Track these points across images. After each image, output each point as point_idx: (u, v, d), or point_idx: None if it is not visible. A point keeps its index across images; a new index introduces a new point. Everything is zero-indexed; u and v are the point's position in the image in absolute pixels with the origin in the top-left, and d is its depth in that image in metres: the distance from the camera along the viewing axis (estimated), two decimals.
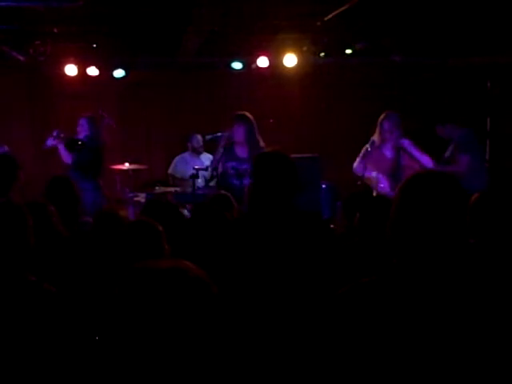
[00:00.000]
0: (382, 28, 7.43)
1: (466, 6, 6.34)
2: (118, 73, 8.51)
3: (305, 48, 7.99)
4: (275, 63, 8.23)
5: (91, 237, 4.24)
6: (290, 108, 9.34)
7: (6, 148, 7.43)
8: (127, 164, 7.96)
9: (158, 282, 1.46)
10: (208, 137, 7.60)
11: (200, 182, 7.43)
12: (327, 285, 3.18)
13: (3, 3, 5.71)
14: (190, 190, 7.10)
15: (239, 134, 6.73)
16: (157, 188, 7.90)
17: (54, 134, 7.49)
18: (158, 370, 1.42)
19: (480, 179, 6.60)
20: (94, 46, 7.79)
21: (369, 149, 6.57)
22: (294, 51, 8.00)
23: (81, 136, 7.53)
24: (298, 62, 8.10)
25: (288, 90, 9.16)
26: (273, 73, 8.60)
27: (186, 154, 8.73)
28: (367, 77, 9.23)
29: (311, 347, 2.81)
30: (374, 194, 6.62)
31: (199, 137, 8.54)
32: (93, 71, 8.39)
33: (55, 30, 7.07)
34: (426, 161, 6.53)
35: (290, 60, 8.05)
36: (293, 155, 3.59)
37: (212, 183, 7.15)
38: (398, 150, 6.66)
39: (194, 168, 7.33)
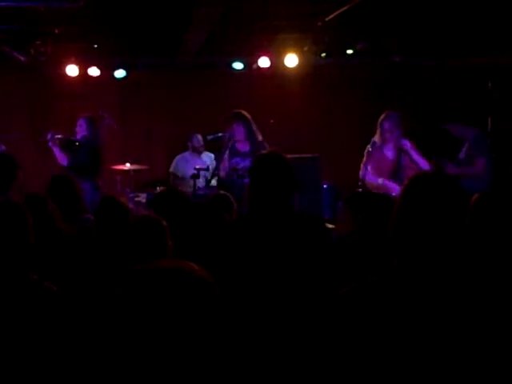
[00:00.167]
0: (383, 28, 7.43)
1: (466, 7, 6.34)
2: (119, 73, 8.51)
3: (306, 48, 7.99)
4: (276, 63, 8.23)
5: (95, 227, 4.26)
6: (291, 108, 9.33)
7: (3, 147, 7.43)
8: (128, 164, 7.97)
9: (162, 282, 1.46)
10: (209, 137, 7.62)
11: (201, 181, 7.44)
12: (327, 285, 3.19)
13: (4, 3, 5.71)
14: (190, 189, 7.10)
15: (239, 132, 6.84)
16: (158, 188, 7.90)
17: (48, 136, 7.49)
18: (160, 368, 1.42)
19: (485, 180, 6.61)
20: (95, 46, 7.79)
21: (370, 149, 6.55)
22: (295, 51, 8.00)
23: (79, 136, 7.53)
24: (298, 62, 8.10)
25: (289, 90, 9.16)
26: (274, 73, 8.60)
27: (187, 154, 8.74)
28: (368, 77, 9.23)
29: (312, 347, 2.81)
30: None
31: (199, 136, 8.55)
32: (94, 71, 8.40)
33: (56, 31, 7.07)
34: (423, 164, 6.52)
35: (291, 60, 8.05)
36: (293, 155, 3.60)
37: (213, 183, 7.16)
38: (400, 150, 6.65)
39: (194, 168, 7.33)
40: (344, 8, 6.12)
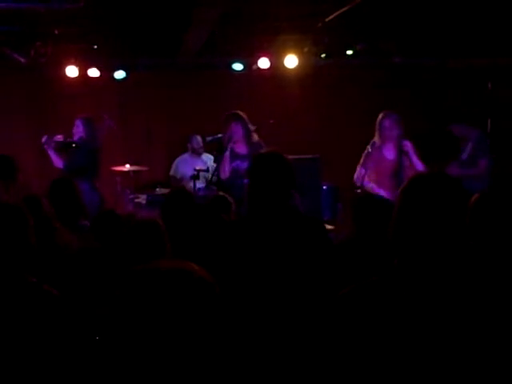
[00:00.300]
0: (383, 29, 7.44)
1: (466, 8, 6.34)
2: (119, 74, 8.51)
3: (306, 49, 7.99)
4: (276, 64, 8.23)
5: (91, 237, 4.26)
6: (291, 109, 9.33)
7: None
8: (128, 165, 7.97)
9: (162, 282, 1.46)
10: (208, 138, 7.63)
11: (200, 182, 7.44)
12: (325, 286, 3.19)
13: (4, 5, 5.71)
14: (190, 191, 7.10)
15: (238, 131, 6.89)
16: (157, 189, 7.91)
17: (43, 139, 7.49)
18: (161, 369, 1.42)
19: (485, 181, 6.63)
20: (95, 47, 7.80)
21: (369, 149, 6.55)
22: (295, 52, 8.00)
23: (76, 137, 7.52)
24: (298, 63, 8.10)
25: (289, 90, 9.15)
26: (274, 74, 8.60)
27: (186, 155, 8.74)
28: (368, 78, 9.23)
29: (312, 348, 2.81)
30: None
31: (199, 138, 8.56)
32: (93, 72, 8.39)
33: (56, 32, 7.08)
34: (420, 168, 6.52)
35: (291, 61, 8.05)
36: (293, 156, 3.59)
37: (213, 184, 7.16)
38: (400, 151, 6.63)
39: (194, 169, 7.33)
40: (344, 9, 6.13)
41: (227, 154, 6.90)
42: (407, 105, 8.86)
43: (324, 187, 7.92)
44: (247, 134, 6.95)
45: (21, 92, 9.09)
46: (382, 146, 6.66)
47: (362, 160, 6.69)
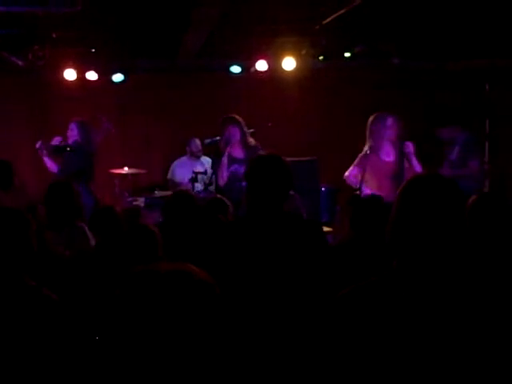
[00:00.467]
0: (381, 31, 7.44)
1: (464, 10, 6.34)
2: (117, 77, 8.51)
3: (304, 51, 7.98)
4: (274, 66, 8.22)
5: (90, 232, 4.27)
6: (289, 111, 9.33)
7: None
8: (126, 168, 7.97)
9: (163, 284, 1.46)
10: (207, 141, 7.64)
11: (199, 185, 7.44)
12: (322, 286, 3.19)
13: (1, 8, 5.71)
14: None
15: (236, 134, 6.95)
16: (156, 192, 7.91)
17: (37, 145, 7.49)
18: (162, 370, 1.42)
19: (478, 181, 6.63)
20: (93, 50, 7.79)
21: (368, 152, 6.53)
22: (293, 54, 7.99)
23: (70, 141, 7.52)
24: (296, 66, 8.10)
25: (287, 93, 9.16)
26: (272, 76, 8.60)
27: (185, 158, 8.75)
28: (366, 80, 9.24)
29: (312, 348, 2.81)
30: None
31: (198, 141, 8.56)
32: (92, 75, 8.39)
33: (54, 35, 7.07)
34: (419, 169, 6.53)
35: (289, 63, 8.05)
36: (291, 158, 3.59)
37: (211, 187, 7.17)
38: (401, 152, 6.63)
39: (193, 172, 7.34)
40: (342, 11, 6.13)
41: (225, 159, 6.92)
42: (405, 107, 8.86)
43: (322, 189, 7.94)
44: (244, 138, 6.98)
45: (19, 95, 9.09)
46: (379, 148, 6.65)
47: (356, 160, 6.69)
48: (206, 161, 8.41)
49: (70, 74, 8.16)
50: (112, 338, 1.47)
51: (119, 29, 6.98)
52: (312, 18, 6.73)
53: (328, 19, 6.56)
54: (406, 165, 6.60)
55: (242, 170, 6.81)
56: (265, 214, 3.31)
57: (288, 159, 3.50)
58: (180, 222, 4.30)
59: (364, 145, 6.69)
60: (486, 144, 9.34)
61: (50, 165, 7.49)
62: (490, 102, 9.26)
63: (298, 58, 8.03)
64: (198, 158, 8.63)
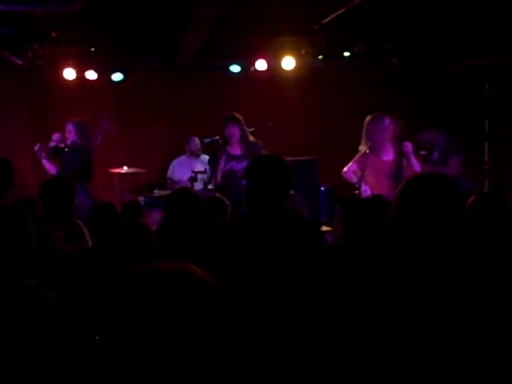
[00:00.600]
0: (381, 31, 7.44)
1: (463, 9, 6.34)
2: (116, 76, 8.50)
3: (303, 51, 7.98)
4: (273, 66, 8.22)
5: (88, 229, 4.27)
6: (289, 110, 9.33)
7: None
8: (125, 167, 7.97)
9: (162, 285, 1.45)
10: (206, 140, 7.65)
11: (198, 184, 7.44)
12: (320, 286, 3.19)
13: (1, 7, 5.71)
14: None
15: (235, 133, 6.96)
16: (155, 191, 7.91)
17: (36, 148, 7.49)
18: (162, 371, 1.42)
19: (459, 179, 6.65)
20: (93, 49, 7.79)
21: (367, 151, 6.54)
22: (293, 54, 7.99)
23: (69, 141, 7.52)
24: (296, 65, 8.10)
25: (286, 92, 9.16)
26: (271, 76, 8.60)
27: (184, 157, 8.75)
28: (365, 79, 9.24)
29: (311, 347, 2.81)
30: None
31: (197, 140, 8.56)
32: (91, 75, 8.38)
33: (53, 34, 7.07)
34: (418, 169, 6.54)
35: (289, 63, 8.05)
36: (291, 158, 3.59)
37: (210, 186, 7.16)
38: (400, 152, 6.65)
39: (192, 171, 7.34)
40: (341, 10, 6.13)
41: (222, 158, 6.95)
42: (405, 106, 8.87)
43: (322, 188, 7.94)
44: (244, 136, 7.00)
45: (18, 94, 9.09)
46: (379, 148, 6.67)
47: (356, 157, 6.70)
48: (206, 159, 8.40)
49: (69, 73, 8.16)
50: (112, 338, 1.47)
51: (119, 28, 6.98)
52: (311, 17, 6.73)
53: (327, 19, 6.56)
54: (405, 164, 6.62)
55: (238, 166, 6.83)
56: (264, 213, 3.31)
57: (288, 159, 3.50)
58: (182, 220, 4.28)
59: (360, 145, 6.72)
60: (486, 144, 9.35)
61: (49, 167, 7.49)
62: (489, 102, 9.25)
63: (298, 57, 8.03)
64: (198, 156, 8.63)
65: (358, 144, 6.80)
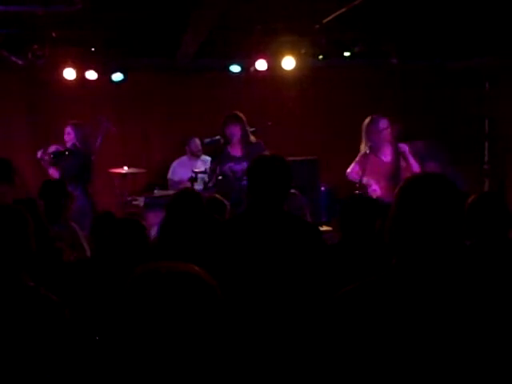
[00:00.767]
0: (381, 30, 7.44)
1: (463, 9, 6.35)
2: (117, 76, 8.50)
3: (303, 50, 7.98)
4: (273, 66, 8.22)
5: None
6: (289, 110, 9.32)
7: None
8: (126, 167, 7.96)
9: (164, 285, 1.45)
10: (206, 140, 7.65)
11: (199, 184, 7.43)
12: (318, 286, 3.19)
13: (1, 7, 5.71)
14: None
15: (236, 132, 6.91)
16: (155, 191, 7.91)
17: (39, 155, 7.50)
18: (164, 372, 1.42)
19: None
20: (93, 49, 7.79)
21: (367, 151, 6.56)
22: (293, 54, 8.00)
23: (69, 144, 7.53)
24: (296, 65, 8.10)
25: (286, 92, 9.16)
26: (271, 75, 8.60)
27: (185, 158, 8.74)
28: (365, 79, 9.24)
29: (311, 347, 2.81)
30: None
31: (197, 141, 8.56)
32: (91, 75, 8.38)
33: (53, 34, 7.08)
34: (417, 169, 6.56)
35: (289, 63, 8.05)
36: (291, 158, 3.60)
37: (210, 184, 7.16)
38: (397, 153, 6.68)
39: (193, 171, 7.34)
40: (341, 10, 6.13)
41: (221, 158, 6.93)
42: (404, 106, 8.87)
43: (322, 188, 7.93)
44: (245, 136, 6.96)
45: (18, 94, 9.08)
46: (377, 149, 6.70)
47: (358, 158, 6.73)
48: (206, 160, 8.40)
49: (69, 73, 8.16)
50: (113, 338, 1.47)
51: (119, 28, 6.99)
52: (312, 17, 6.73)
53: (328, 18, 6.57)
54: (404, 165, 6.64)
55: (236, 167, 6.80)
56: (263, 213, 3.32)
57: (288, 159, 3.51)
58: (185, 221, 4.26)
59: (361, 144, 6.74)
60: (486, 144, 9.35)
61: (52, 172, 7.49)
62: (490, 102, 9.25)
63: (298, 57, 8.03)
64: (198, 157, 8.62)
65: (358, 144, 6.81)
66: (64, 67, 8.09)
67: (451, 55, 8.51)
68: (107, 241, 3.47)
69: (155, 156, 9.31)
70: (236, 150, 6.99)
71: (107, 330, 2.78)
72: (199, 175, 7.38)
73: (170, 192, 7.87)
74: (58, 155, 7.44)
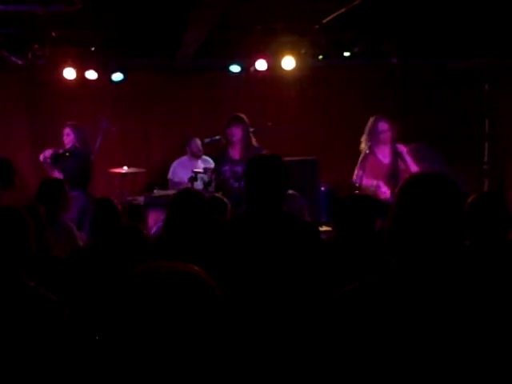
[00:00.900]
0: (381, 30, 7.45)
1: (464, 9, 6.35)
2: (117, 76, 8.50)
3: (303, 51, 7.99)
4: (273, 66, 8.22)
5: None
6: (289, 111, 9.33)
7: None
8: (125, 167, 7.96)
9: (164, 285, 1.45)
10: (206, 140, 7.64)
11: (199, 184, 7.43)
12: (316, 287, 3.19)
13: (1, 7, 5.72)
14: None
15: (237, 134, 6.89)
16: (155, 191, 7.90)
17: (41, 158, 7.50)
18: (163, 372, 1.42)
19: None
20: (93, 49, 7.79)
21: (367, 151, 6.57)
22: (293, 54, 8.00)
23: (68, 146, 7.52)
24: (296, 65, 8.10)
25: (286, 92, 9.16)
26: (271, 75, 8.60)
27: (185, 158, 8.74)
28: (365, 79, 9.24)
29: (311, 347, 2.81)
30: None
31: (198, 141, 8.55)
32: (91, 75, 8.38)
33: (53, 34, 7.08)
34: (415, 170, 6.56)
35: (289, 63, 8.05)
36: (291, 158, 3.59)
37: (211, 187, 7.16)
38: (396, 154, 6.69)
39: (192, 171, 7.33)
40: (341, 10, 6.13)
41: (220, 159, 6.93)
42: (405, 106, 8.87)
43: (322, 189, 7.93)
44: (246, 138, 6.92)
45: (18, 94, 9.09)
46: (377, 149, 6.71)
47: (359, 162, 6.73)
48: (207, 160, 8.40)
49: (69, 73, 8.16)
50: (112, 338, 1.47)
51: (119, 28, 6.99)
52: (311, 17, 6.73)
53: (327, 18, 6.57)
54: (403, 166, 6.65)
55: (238, 168, 6.79)
56: (262, 213, 3.31)
57: (288, 159, 3.50)
58: (187, 221, 4.25)
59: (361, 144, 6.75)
60: (486, 144, 9.35)
61: (57, 175, 7.49)
62: (489, 102, 9.26)
63: (298, 57, 8.03)
64: (199, 158, 8.62)
65: (358, 144, 6.82)
66: (64, 67, 8.09)
67: (451, 55, 8.52)
68: (107, 241, 3.48)
69: (155, 156, 9.31)
70: (235, 153, 6.95)
71: (107, 329, 2.77)
72: (199, 175, 7.38)
73: (170, 192, 7.87)
74: (59, 157, 7.45)
